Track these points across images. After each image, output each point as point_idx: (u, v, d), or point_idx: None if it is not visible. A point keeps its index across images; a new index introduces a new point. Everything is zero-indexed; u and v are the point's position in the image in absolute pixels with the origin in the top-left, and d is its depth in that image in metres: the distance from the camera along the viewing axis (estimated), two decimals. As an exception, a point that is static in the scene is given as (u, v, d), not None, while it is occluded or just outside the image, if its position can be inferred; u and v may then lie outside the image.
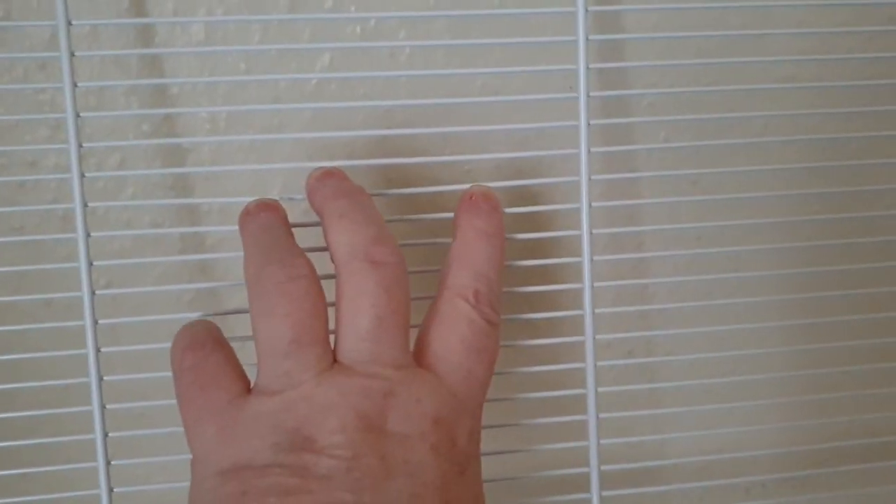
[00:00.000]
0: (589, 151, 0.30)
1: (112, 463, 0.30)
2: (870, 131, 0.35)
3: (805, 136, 0.35)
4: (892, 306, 0.35)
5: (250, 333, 0.26)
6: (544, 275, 0.33)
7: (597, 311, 0.31)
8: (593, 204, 0.30)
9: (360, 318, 0.25)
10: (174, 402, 0.29)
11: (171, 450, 0.30)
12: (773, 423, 0.37)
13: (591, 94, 0.30)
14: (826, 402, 0.36)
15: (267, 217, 0.28)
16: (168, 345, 0.28)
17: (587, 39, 0.30)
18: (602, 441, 0.31)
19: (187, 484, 0.29)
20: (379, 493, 0.23)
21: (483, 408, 0.27)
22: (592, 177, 0.30)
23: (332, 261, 0.27)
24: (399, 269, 0.26)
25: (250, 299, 0.26)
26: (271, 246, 0.27)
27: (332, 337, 0.26)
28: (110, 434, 0.29)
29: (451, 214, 0.29)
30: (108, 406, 0.29)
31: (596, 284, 0.31)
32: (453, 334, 0.27)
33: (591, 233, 0.30)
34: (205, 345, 0.27)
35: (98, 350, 0.29)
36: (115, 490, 0.30)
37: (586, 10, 0.29)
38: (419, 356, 0.27)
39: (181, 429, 0.26)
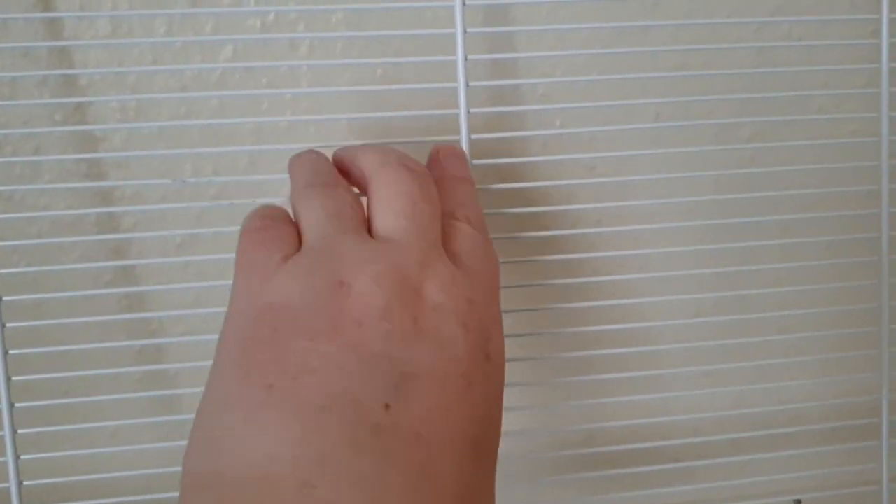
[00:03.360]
0: (470, 138, 0.32)
1: (19, 432, 0.31)
2: (758, 116, 0.37)
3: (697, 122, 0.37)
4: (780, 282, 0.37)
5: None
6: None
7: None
8: (479, 186, 0.32)
9: (396, 202, 0.26)
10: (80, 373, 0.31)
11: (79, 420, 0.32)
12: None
13: (471, 83, 0.32)
14: (728, 372, 0.38)
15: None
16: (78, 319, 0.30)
17: (465, 32, 0.31)
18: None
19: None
20: (407, 352, 0.23)
21: None
22: (475, 161, 0.32)
23: (362, 181, 0.28)
24: (430, 179, 0.27)
25: (294, 203, 0.27)
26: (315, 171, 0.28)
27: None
28: (17, 404, 0.31)
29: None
30: (13, 378, 0.31)
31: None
32: (463, 246, 0.27)
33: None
34: (276, 217, 0.27)
35: (3, 325, 0.31)
36: (21, 457, 0.32)
37: (464, 4, 0.31)
38: None
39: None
